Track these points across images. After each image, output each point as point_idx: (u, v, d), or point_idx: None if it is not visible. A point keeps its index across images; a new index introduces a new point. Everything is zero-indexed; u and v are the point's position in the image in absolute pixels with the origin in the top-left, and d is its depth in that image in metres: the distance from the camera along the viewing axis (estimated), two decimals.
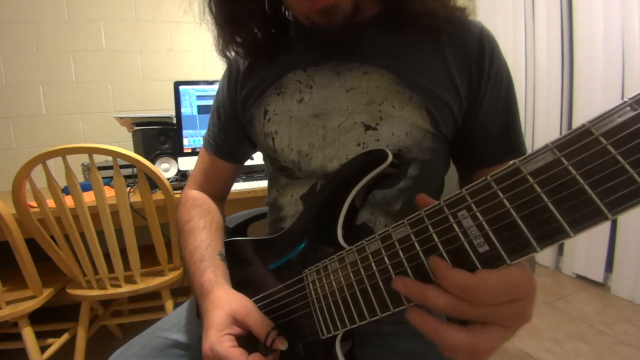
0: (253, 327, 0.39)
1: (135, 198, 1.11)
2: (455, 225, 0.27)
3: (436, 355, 0.49)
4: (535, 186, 0.24)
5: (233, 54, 0.57)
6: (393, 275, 0.31)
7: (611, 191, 0.21)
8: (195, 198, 0.60)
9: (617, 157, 0.21)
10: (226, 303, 0.41)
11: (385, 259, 0.32)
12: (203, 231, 0.53)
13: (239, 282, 0.48)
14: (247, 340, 0.40)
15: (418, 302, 0.28)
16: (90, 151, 0.93)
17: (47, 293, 1.10)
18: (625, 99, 0.21)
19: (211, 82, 1.41)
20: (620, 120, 0.21)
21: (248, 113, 0.56)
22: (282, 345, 0.39)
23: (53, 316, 1.35)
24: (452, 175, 0.59)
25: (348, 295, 0.34)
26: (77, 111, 1.79)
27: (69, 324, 1.26)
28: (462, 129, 0.49)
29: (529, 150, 0.31)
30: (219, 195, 0.64)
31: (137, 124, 1.37)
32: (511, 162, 0.26)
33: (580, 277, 1.78)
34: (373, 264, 0.33)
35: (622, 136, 0.21)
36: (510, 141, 0.49)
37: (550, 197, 0.23)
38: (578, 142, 0.23)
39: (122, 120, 1.43)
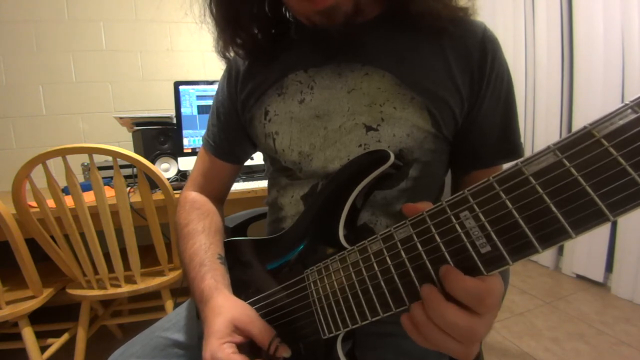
0: (256, 335, 0.39)
1: (135, 198, 1.11)
2: (457, 226, 0.28)
3: (437, 355, 0.49)
4: (538, 187, 0.24)
5: (233, 54, 0.56)
6: (395, 276, 0.31)
7: (613, 193, 0.21)
8: (194, 200, 0.59)
9: (619, 159, 0.21)
10: (227, 310, 0.41)
11: (388, 259, 0.32)
12: (202, 234, 0.53)
13: (239, 283, 0.48)
14: (248, 348, 0.40)
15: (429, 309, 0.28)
16: (90, 151, 0.93)
17: (47, 293, 1.10)
18: (627, 102, 0.22)
19: (211, 82, 1.41)
20: (621, 122, 0.21)
21: (248, 114, 0.56)
22: (285, 353, 0.38)
23: (53, 316, 1.35)
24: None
25: (349, 295, 0.34)
26: (77, 111, 1.79)
27: (69, 324, 1.26)
28: (460, 130, 0.49)
29: (528, 151, 0.31)
30: (219, 196, 0.64)
31: (137, 124, 1.37)
32: (513, 163, 0.26)
33: (580, 277, 1.79)
34: (375, 264, 0.33)
35: (623, 138, 0.21)
36: (508, 143, 0.49)
37: (552, 198, 0.23)
38: (580, 144, 0.23)
39: (122, 120, 1.43)
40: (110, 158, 0.96)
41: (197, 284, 0.47)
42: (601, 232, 1.64)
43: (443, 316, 0.27)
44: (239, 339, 0.39)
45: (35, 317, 1.08)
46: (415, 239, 0.30)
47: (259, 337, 0.39)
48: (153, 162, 1.30)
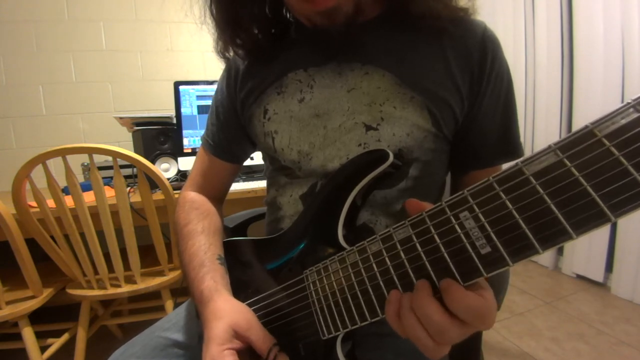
0: (255, 342, 0.39)
1: (135, 198, 1.11)
2: (457, 227, 0.27)
3: None
4: (538, 187, 0.24)
5: (232, 54, 0.56)
6: (394, 276, 0.31)
7: (615, 193, 0.21)
8: (193, 200, 0.59)
9: (621, 159, 0.21)
10: (227, 314, 0.41)
11: (387, 260, 0.32)
12: (201, 235, 0.53)
13: (239, 283, 0.48)
14: (248, 354, 0.40)
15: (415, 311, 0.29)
16: (90, 151, 0.93)
17: (47, 293, 1.10)
18: (629, 100, 0.21)
19: (211, 82, 1.41)
20: (623, 121, 0.21)
21: (247, 112, 0.56)
22: None
23: (53, 316, 1.35)
24: None
25: (349, 296, 0.34)
26: (77, 111, 1.78)
27: (69, 324, 1.26)
28: (460, 129, 0.49)
29: (528, 151, 0.31)
30: (218, 195, 0.64)
31: (137, 124, 1.37)
32: (513, 163, 0.26)
33: (580, 277, 1.78)
34: (374, 265, 0.33)
35: (625, 138, 0.21)
36: (507, 143, 0.49)
37: (553, 198, 0.23)
38: (581, 144, 0.22)
39: (122, 120, 1.43)
40: (110, 158, 0.96)
41: (196, 285, 0.47)
42: (601, 232, 1.64)
43: (423, 307, 0.27)
44: (238, 344, 0.39)
45: (35, 317, 1.08)
46: (415, 239, 0.30)
47: (257, 345, 0.39)
48: (153, 162, 1.30)
